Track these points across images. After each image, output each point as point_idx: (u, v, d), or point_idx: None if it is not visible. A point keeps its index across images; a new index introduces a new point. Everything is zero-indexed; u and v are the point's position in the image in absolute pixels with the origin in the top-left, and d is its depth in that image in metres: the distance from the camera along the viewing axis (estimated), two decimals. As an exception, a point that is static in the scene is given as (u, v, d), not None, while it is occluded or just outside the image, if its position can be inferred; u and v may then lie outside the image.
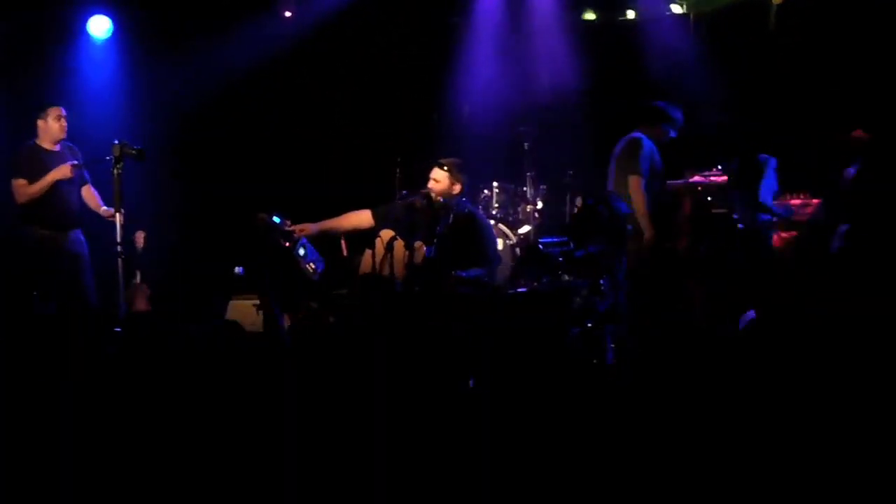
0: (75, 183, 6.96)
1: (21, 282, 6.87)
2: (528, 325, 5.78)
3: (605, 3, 8.92)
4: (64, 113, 6.94)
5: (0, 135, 7.88)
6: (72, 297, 6.81)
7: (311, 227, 6.59)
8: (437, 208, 6.51)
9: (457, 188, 6.60)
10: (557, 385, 5.22)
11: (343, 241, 6.85)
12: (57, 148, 6.97)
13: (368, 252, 6.37)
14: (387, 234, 6.35)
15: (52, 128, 6.90)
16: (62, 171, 6.78)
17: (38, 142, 6.93)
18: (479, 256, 6.46)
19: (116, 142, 6.50)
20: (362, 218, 6.67)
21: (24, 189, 6.77)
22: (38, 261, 6.82)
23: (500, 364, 5.34)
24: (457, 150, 8.15)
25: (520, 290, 6.44)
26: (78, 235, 6.99)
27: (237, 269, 6.97)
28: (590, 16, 9.20)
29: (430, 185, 6.59)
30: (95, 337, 6.20)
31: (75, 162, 6.88)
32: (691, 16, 8.90)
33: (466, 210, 6.64)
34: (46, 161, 6.86)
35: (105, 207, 6.90)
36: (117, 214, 6.47)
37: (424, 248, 6.37)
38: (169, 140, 8.38)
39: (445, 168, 6.60)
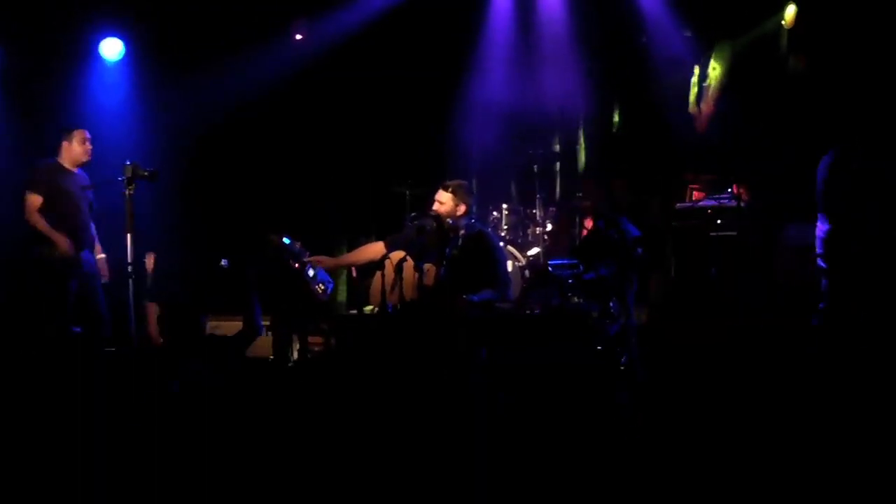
0: (86, 205, 6.98)
1: (33, 301, 6.89)
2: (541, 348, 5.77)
3: (617, 25, 8.93)
4: (88, 136, 6.96)
5: (14, 155, 7.94)
6: (83, 317, 6.81)
7: (326, 261, 6.62)
8: (447, 230, 6.53)
9: (461, 209, 6.62)
10: (574, 409, 5.20)
11: (352, 263, 6.87)
12: (76, 171, 6.99)
13: (378, 274, 6.39)
14: (396, 255, 6.36)
15: (75, 150, 6.92)
16: (64, 248, 6.73)
17: (59, 160, 6.95)
18: (489, 277, 6.45)
19: (128, 163, 6.52)
20: (376, 250, 6.68)
21: (34, 211, 6.76)
22: (51, 281, 6.82)
23: (513, 387, 5.33)
24: (466, 173, 8.22)
25: (529, 312, 6.43)
26: (88, 256, 7.00)
27: (223, 262, 6.96)
28: None
29: (435, 207, 6.62)
30: (105, 356, 6.21)
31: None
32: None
33: (476, 230, 6.64)
34: (65, 181, 6.88)
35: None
36: (128, 235, 6.48)
37: (434, 271, 6.38)
38: (180, 161, 8.40)
39: (450, 190, 6.63)
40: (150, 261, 8.02)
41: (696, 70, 8.95)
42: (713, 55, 8.83)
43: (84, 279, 6.92)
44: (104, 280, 7.02)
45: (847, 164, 6.12)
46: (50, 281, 6.81)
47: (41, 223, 6.75)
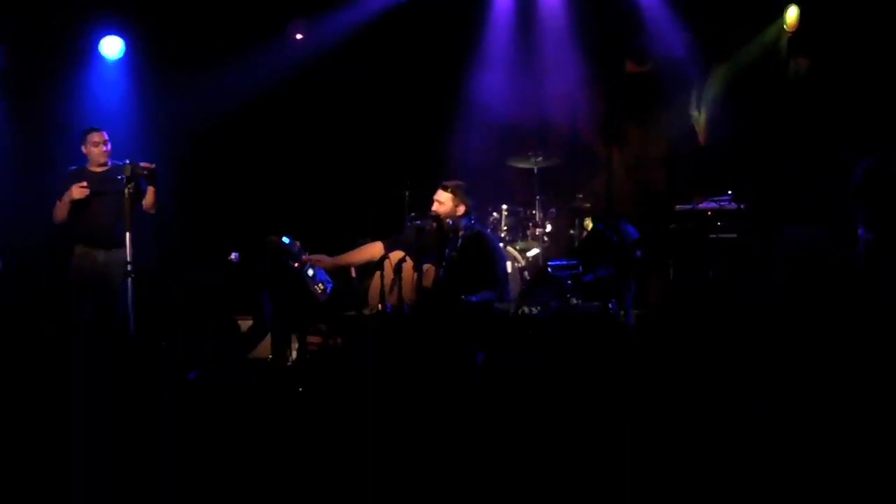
0: (115, 202, 6.93)
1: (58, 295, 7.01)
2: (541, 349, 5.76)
3: (617, 30, 8.91)
4: (104, 138, 7.04)
5: (13, 153, 7.96)
6: (94, 314, 6.86)
7: (325, 260, 6.63)
8: (446, 231, 6.54)
9: (461, 209, 6.64)
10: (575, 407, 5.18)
11: (352, 263, 6.87)
12: (102, 169, 7.05)
13: (377, 274, 6.39)
14: (396, 255, 6.37)
15: (92, 153, 7.03)
16: (75, 192, 6.83)
17: (87, 165, 7.04)
18: (488, 277, 6.46)
19: (128, 161, 6.54)
20: (374, 250, 6.69)
21: (54, 210, 6.87)
22: (74, 276, 6.93)
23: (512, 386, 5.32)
24: (466, 173, 8.21)
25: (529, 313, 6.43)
26: (115, 255, 6.93)
27: (233, 256, 6.94)
28: None
29: (435, 207, 6.63)
30: (107, 355, 6.22)
31: (84, 184, 6.88)
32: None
33: (474, 231, 6.66)
34: (90, 182, 6.94)
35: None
36: (127, 234, 6.49)
37: (434, 271, 6.38)
38: (180, 160, 8.40)
39: (449, 190, 6.65)
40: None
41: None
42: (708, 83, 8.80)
43: (101, 277, 6.94)
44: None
45: (887, 171, 6.17)
46: (73, 276, 6.92)
47: (59, 209, 6.86)
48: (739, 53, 8.57)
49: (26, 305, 7.27)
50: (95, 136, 7.02)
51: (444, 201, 6.66)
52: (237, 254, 6.83)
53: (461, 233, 6.60)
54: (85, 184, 6.86)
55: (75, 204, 6.86)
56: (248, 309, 7.17)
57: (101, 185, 6.93)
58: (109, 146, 7.05)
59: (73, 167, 7.04)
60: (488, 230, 7.53)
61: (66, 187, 6.86)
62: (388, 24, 8.80)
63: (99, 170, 7.03)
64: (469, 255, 6.51)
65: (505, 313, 6.38)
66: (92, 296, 6.90)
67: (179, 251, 8.53)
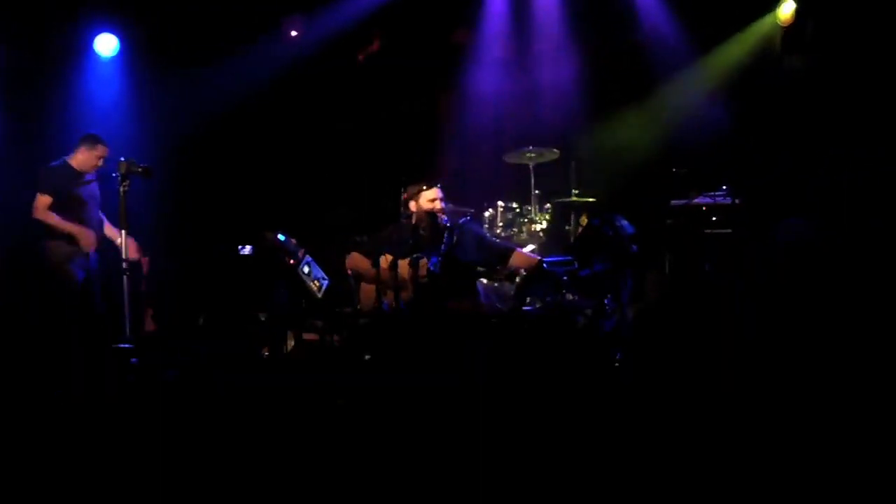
0: (94, 203, 7.04)
1: (33, 293, 6.99)
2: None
3: (611, 24, 8.93)
4: (106, 154, 7.05)
5: (6, 150, 7.96)
6: (76, 314, 6.86)
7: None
8: (441, 227, 6.59)
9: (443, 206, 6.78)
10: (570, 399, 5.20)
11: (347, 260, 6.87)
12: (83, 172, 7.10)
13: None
14: (386, 258, 6.39)
15: (88, 160, 7.03)
16: (86, 241, 6.89)
17: (69, 161, 7.02)
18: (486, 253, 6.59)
19: (122, 159, 6.55)
20: (365, 264, 6.64)
21: (44, 209, 6.84)
22: (52, 275, 6.91)
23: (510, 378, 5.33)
24: (462, 170, 8.23)
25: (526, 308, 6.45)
26: (93, 254, 7.05)
27: (247, 250, 6.92)
28: None
29: (438, 205, 6.68)
30: (97, 354, 6.23)
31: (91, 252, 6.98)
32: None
33: (469, 227, 6.73)
34: (73, 183, 6.96)
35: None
36: (122, 232, 6.51)
37: (428, 264, 6.41)
38: (175, 158, 8.40)
39: (440, 187, 6.77)
40: (144, 264, 7.91)
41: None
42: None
43: (84, 277, 6.99)
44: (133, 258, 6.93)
45: None
46: (51, 275, 6.88)
47: (53, 219, 6.82)
48: (729, 45, 8.58)
49: (25, 304, 7.27)
50: (101, 150, 7.05)
51: (443, 199, 6.77)
52: (251, 247, 6.85)
53: (456, 229, 6.65)
54: (93, 240, 6.94)
55: (61, 206, 6.88)
56: (261, 304, 7.18)
57: (85, 186, 6.98)
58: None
59: (57, 162, 7.03)
60: (483, 226, 7.61)
61: (55, 181, 6.87)
62: (386, 20, 8.80)
63: (82, 171, 7.07)
64: (466, 246, 6.60)
65: (500, 311, 6.40)
66: (69, 294, 6.93)
67: (176, 250, 8.52)
